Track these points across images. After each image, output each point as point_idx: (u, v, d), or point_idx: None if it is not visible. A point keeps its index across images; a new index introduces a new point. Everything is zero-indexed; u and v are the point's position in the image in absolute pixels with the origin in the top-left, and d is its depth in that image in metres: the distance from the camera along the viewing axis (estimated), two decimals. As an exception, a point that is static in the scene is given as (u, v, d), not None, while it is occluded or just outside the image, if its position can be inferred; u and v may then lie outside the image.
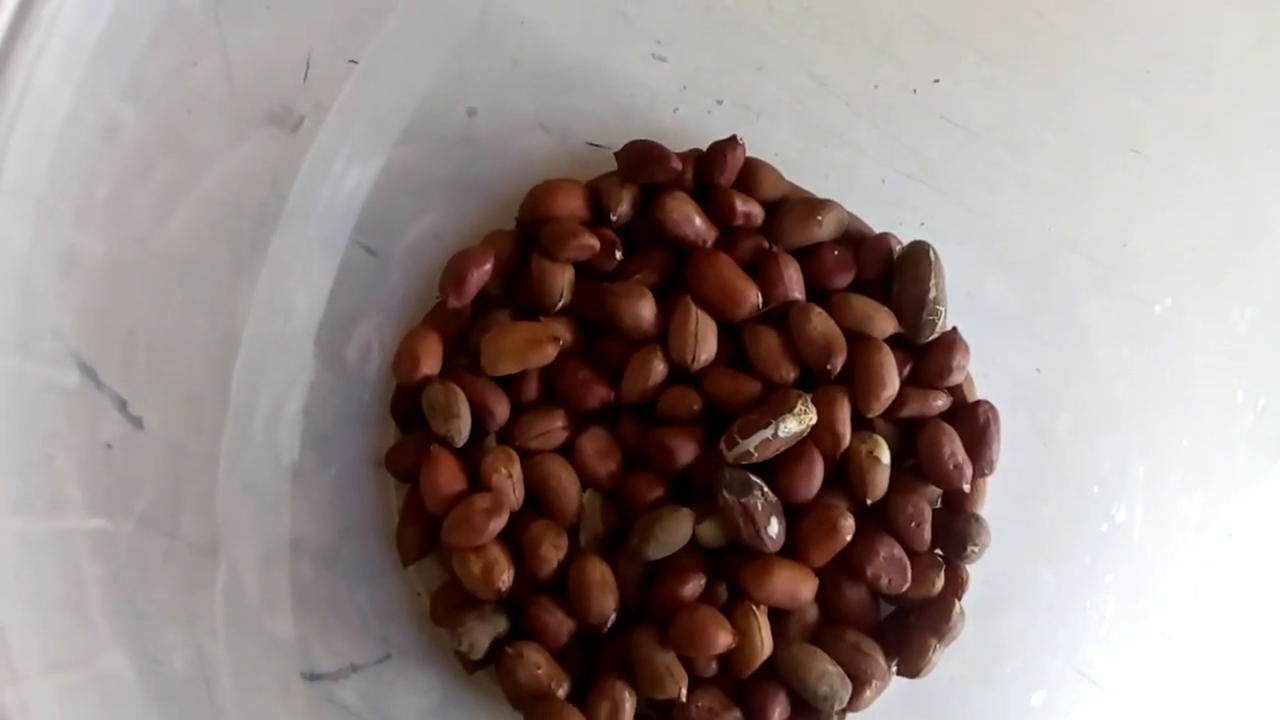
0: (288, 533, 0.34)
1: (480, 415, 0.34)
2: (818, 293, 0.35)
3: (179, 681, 0.32)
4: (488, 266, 0.34)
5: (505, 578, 0.33)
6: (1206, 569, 0.37)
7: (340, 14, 0.35)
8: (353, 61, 0.34)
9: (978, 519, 0.35)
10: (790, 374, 0.34)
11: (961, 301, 0.36)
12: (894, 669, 0.35)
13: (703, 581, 0.33)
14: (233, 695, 0.32)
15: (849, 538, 0.33)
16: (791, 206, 0.35)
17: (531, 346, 0.34)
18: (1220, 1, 0.37)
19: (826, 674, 0.33)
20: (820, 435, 0.34)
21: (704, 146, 0.35)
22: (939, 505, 0.36)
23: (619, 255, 0.35)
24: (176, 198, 0.34)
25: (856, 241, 0.36)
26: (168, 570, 0.32)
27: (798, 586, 0.33)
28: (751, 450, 0.33)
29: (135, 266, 0.33)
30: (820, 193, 0.36)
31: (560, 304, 0.34)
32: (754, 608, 0.33)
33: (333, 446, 0.35)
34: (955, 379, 0.35)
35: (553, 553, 0.33)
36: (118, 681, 0.30)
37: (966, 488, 0.35)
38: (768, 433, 0.33)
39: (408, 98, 0.35)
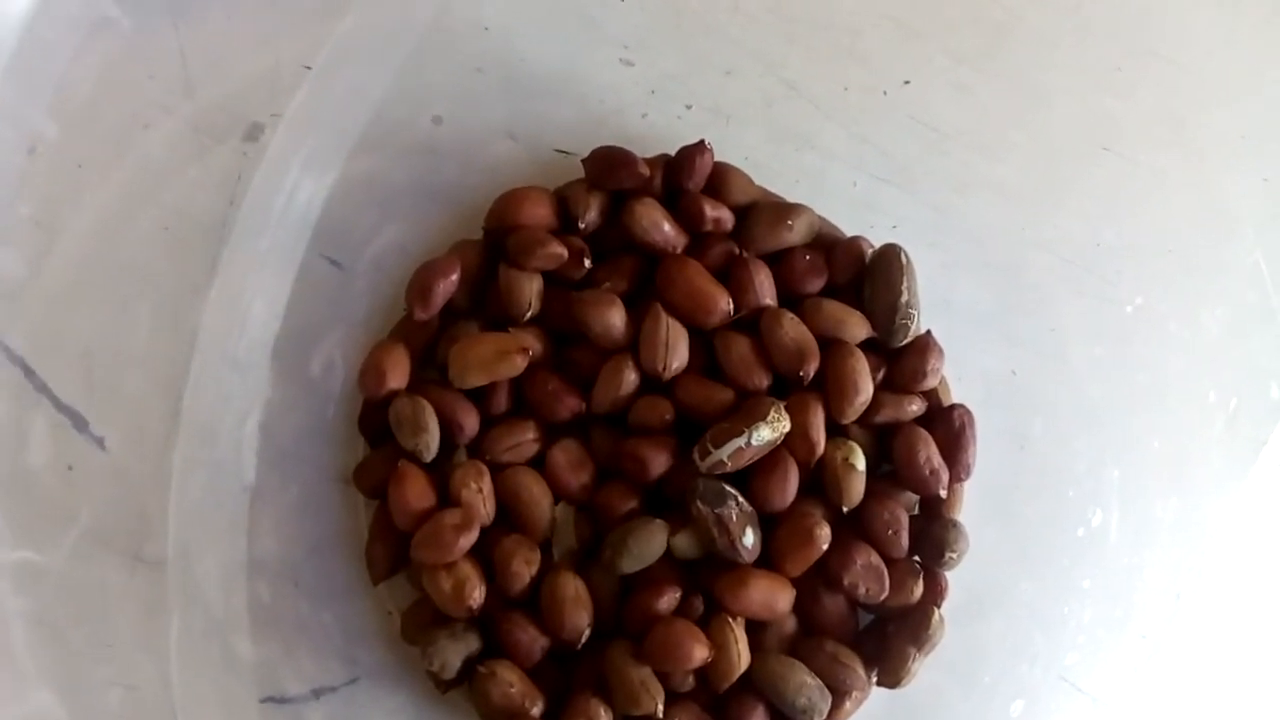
0: (251, 553, 0.34)
1: (449, 429, 0.33)
2: (789, 298, 0.35)
3: (135, 712, 0.31)
4: (454, 277, 0.34)
5: (477, 595, 0.32)
6: (1185, 571, 0.36)
7: (296, 21, 0.34)
8: (306, 67, 0.34)
9: (955, 524, 0.34)
10: (763, 381, 0.34)
11: (935, 304, 0.35)
12: (873, 679, 0.34)
13: (678, 594, 0.33)
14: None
15: (825, 546, 0.33)
16: (762, 211, 0.35)
17: (500, 358, 0.33)
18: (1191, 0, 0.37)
19: (805, 686, 0.33)
20: (794, 443, 0.33)
21: (673, 152, 0.35)
22: (916, 511, 0.35)
23: (588, 263, 0.34)
24: (134, 211, 0.33)
25: (828, 246, 0.35)
26: (121, 595, 0.32)
27: (774, 597, 0.33)
28: (725, 459, 0.32)
29: (89, 284, 0.33)
30: (791, 197, 0.36)
31: (529, 314, 0.34)
32: (730, 620, 0.33)
33: (295, 463, 0.34)
34: (930, 383, 0.35)
35: (525, 568, 0.33)
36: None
37: (943, 493, 0.34)
38: (741, 441, 0.32)
39: (365, 105, 0.35)
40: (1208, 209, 0.37)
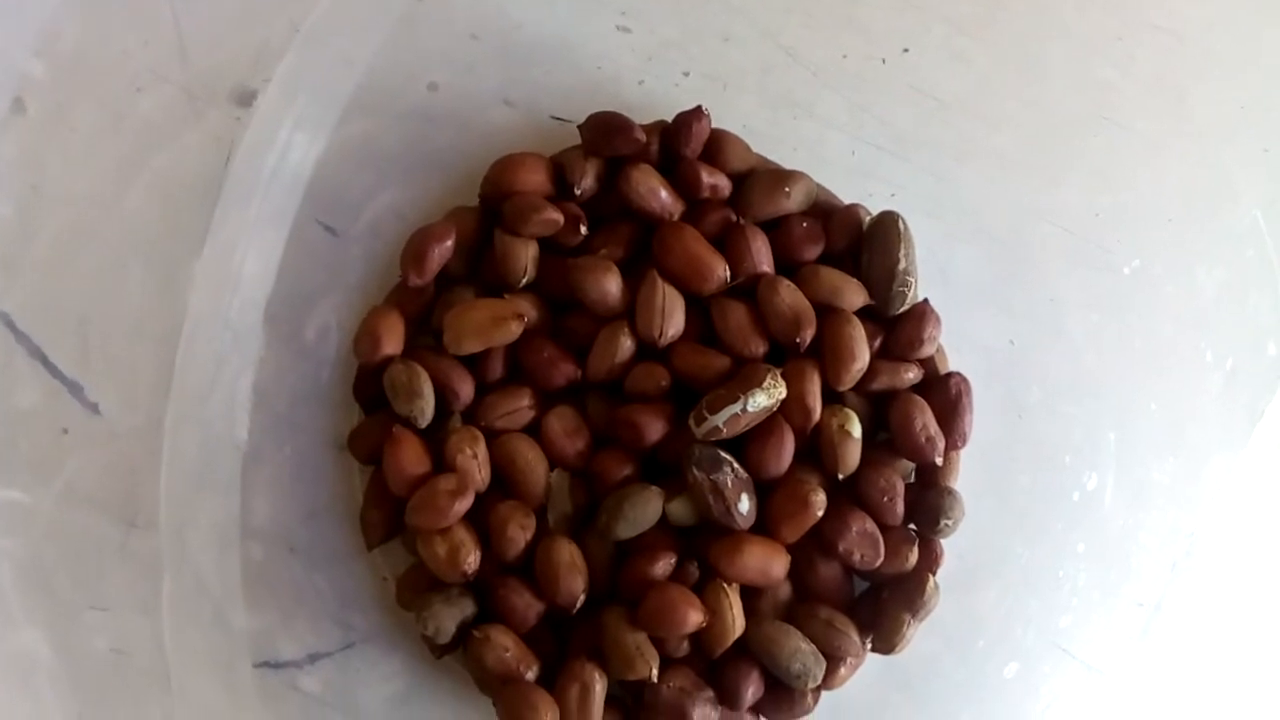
0: (245, 517, 0.33)
1: (444, 395, 0.33)
2: (786, 265, 0.35)
3: (129, 672, 0.31)
4: (450, 243, 0.34)
5: (471, 560, 0.32)
6: (1181, 536, 0.36)
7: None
8: (296, 30, 0.34)
9: (951, 492, 0.34)
10: (759, 348, 0.33)
11: (932, 273, 0.35)
12: (868, 645, 0.34)
13: (673, 560, 0.33)
14: (184, 683, 0.31)
15: (821, 513, 0.33)
16: (759, 178, 0.35)
17: (496, 324, 0.33)
18: (1190, -31, 0.37)
19: (799, 651, 0.33)
20: (790, 410, 0.33)
21: (670, 118, 0.35)
22: (912, 479, 0.35)
23: (584, 230, 0.34)
24: (127, 175, 0.33)
25: (825, 213, 0.35)
26: (114, 557, 0.32)
27: (769, 563, 0.33)
28: (721, 426, 0.32)
29: (82, 248, 0.32)
30: (788, 164, 0.35)
31: (524, 280, 0.34)
32: (725, 586, 0.33)
33: (290, 429, 0.34)
34: (926, 351, 0.35)
35: (520, 534, 0.33)
36: (32, 663, 0.29)
37: (939, 461, 0.34)
38: (737, 408, 0.32)
39: (358, 69, 0.34)
40: (1207, 178, 0.37)
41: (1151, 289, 0.36)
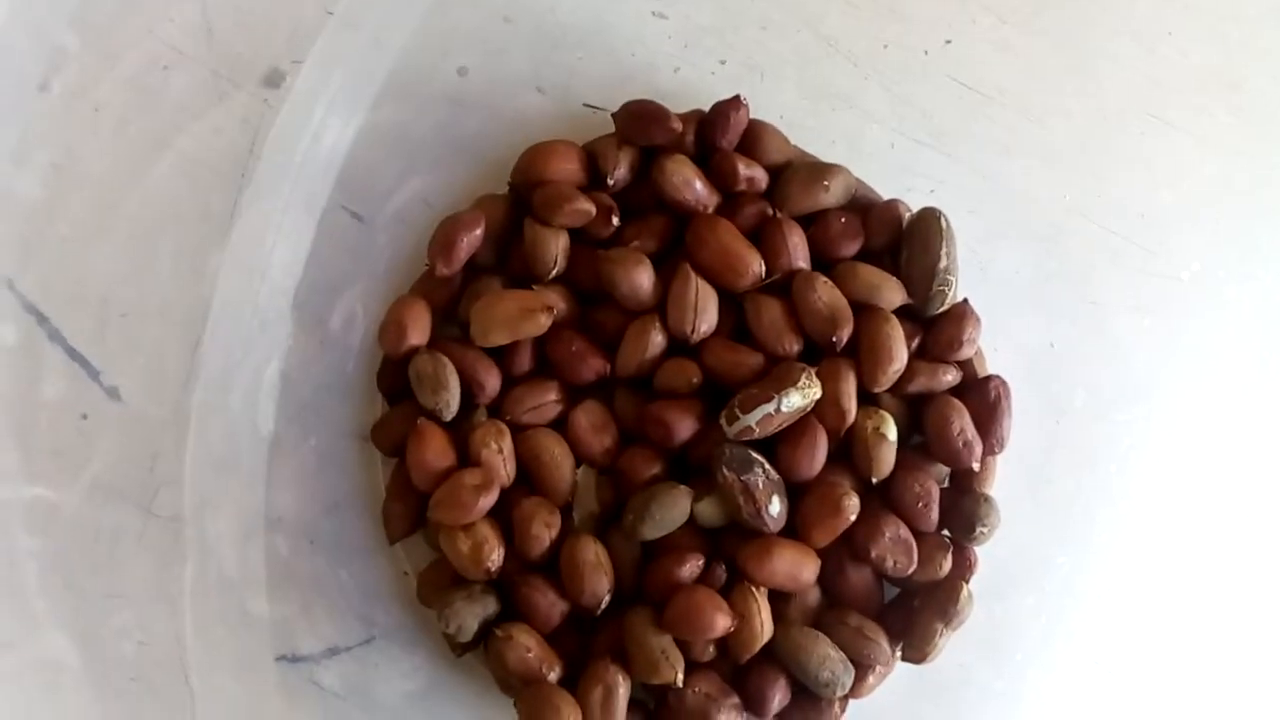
0: (267, 508, 0.33)
1: (470, 387, 0.33)
2: (823, 261, 0.34)
3: (148, 664, 0.31)
4: (478, 232, 0.33)
5: (495, 557, 0.32)
6: (1234, 553, 0.35)
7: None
8: (329, 13, 0.33)
9: (987, 499, 0.34)
10: (794, 346, 0.33)
11: (973, 272, 0.34)
12: (899, 654, 0.34)
13: (701, 562, 0.32)
14: (203, 675, 0.31)
15: (853, 517, 0.32)
16: (797, 171, 0.34)
17: (524, 316, 0.33)
18: (1243, -38, 0.36)
19: (828, 659, 0.32)
20: (824, 410, 0.32)
21: (706, 108, 0.34)
22: (947, 484, 0.35)
23: (616, 221, 0.33)
24: (152, 156, 0.33)
25: (864, 208, 0.34)
26: (134, 547, 0.31)
27: (799, 568, 0.32)
28: (753, 425, 0.31)
29: (106, 230, 0.32)
30: (827, 157, 0.35)
31: (554, 272, 0.33)
32: (753, 590, 0.32)
33: (314, 418, 0.34)
34: (966, 353, 0.34)
35: (545, 531, 0.32)
36: (58, 667, 0.29)
37: (976, 466, 0.33)
38: (770, 407, 0.31)
39: (389, 53, 0.34)
40: (1264, 174, 0.35)
41: (1209, 293, 0.35)
